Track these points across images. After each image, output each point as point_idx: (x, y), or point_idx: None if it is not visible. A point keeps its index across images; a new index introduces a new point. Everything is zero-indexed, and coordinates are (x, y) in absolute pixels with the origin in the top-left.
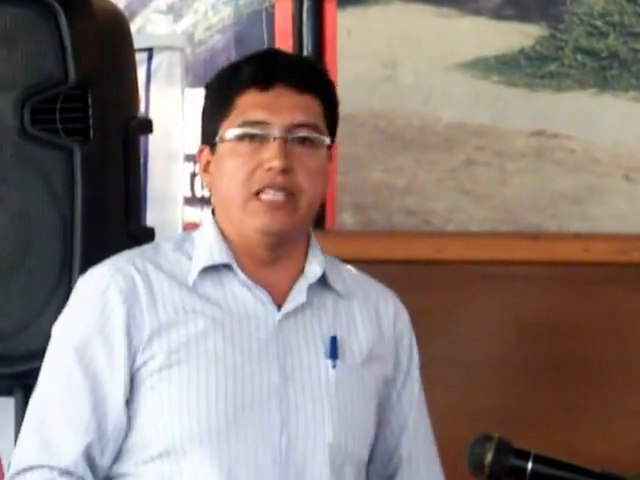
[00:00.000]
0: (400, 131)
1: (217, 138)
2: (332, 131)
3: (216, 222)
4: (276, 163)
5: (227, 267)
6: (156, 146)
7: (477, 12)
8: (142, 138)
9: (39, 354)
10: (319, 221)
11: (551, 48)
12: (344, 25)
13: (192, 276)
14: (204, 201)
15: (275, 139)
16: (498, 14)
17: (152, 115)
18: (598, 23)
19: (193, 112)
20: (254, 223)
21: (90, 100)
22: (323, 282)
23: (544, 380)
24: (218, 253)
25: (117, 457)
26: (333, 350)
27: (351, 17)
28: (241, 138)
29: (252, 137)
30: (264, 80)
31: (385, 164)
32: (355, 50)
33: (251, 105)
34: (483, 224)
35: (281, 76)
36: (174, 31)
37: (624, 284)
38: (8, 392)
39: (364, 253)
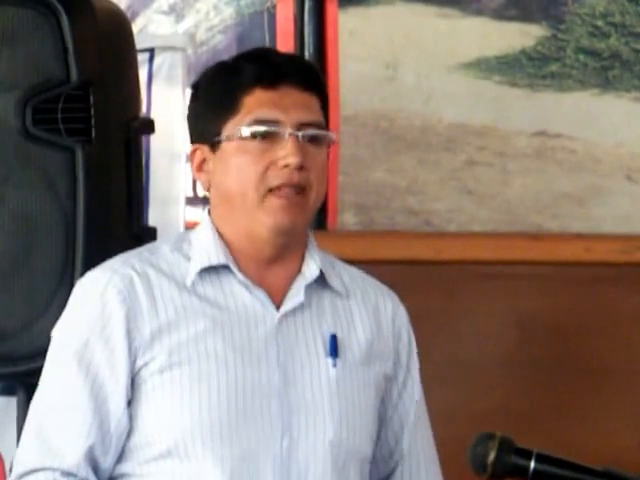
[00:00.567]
0: (402, 131)
1: (222, 137)
2: (327, 127)
3: (213, 222)
4: (293, 160)
5: (225, 268)
6: (158, 146)
7: (479, 12)
8: (144, 138)
9: (41, 353)
10: (321, 221)
11: (553, 48)
12: (346, 26)
13: (190, 277)
14: (206, 201)
15: (289, 136)
16: (500, 14)
17: (154, 115)
18: (600, 23)
19: None
20: (269, 220)
21: (92, 100)
22: (321, 281)
23: (546, 380)
24: (215, 254)
25: (120, 457)
26: (333, 349)
27: (353, 18)
28: (254, 136)
29: (264, 135)
30: (270, 79)
31: (387, 164)
32: (357, 51)
33: (260, 104)
34: (485, 224)
35: (286, 75)
36: (176, 31)
37: (625, 284)
38: (10, 392)
39: (366, 253)
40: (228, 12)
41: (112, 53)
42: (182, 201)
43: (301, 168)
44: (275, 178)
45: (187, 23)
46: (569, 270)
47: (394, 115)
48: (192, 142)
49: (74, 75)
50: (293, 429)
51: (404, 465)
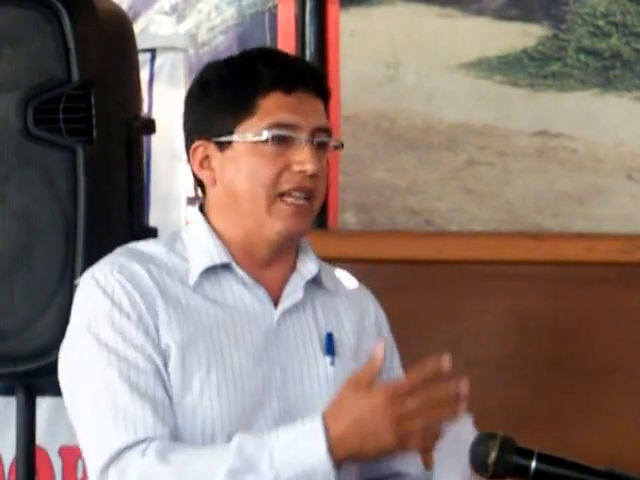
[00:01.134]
0: (403, 131)
1: (235, 137)
2: None
3: (209, 220)
4: (310, 167)
5: (224, 267)
6: (159, 146)
7: (480, 12)
8: (145, 138)
9: (41, 353)
10: (321, 221)
11: (554, 48)
12: (347, 26)
13: (193, 277)
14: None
15: (306, 142)
16: (501, 14)
17: (155, 115)
18: (601, 23)
19: None
20: (277, 226)
21: (93, 100)
22: (314, 280)
23: (547, 379)
24: (217, 253)
25: None
26: (330, 347)
27: (354, 18)
28: (272, 140)
29: (281, 139)
30: (288, 83)
31: (388, 164)
32: (358, 51)
33: (278, 107)
34: (486, 224)
35: (302, 80)
36: (177, 32)
37: (627, 283)
38: (9, 392)
39: (366, 253)
40: (229, 12)
41: (114, 53)
42: (183, 201)
43: (315, 175)
44: (288, 182)
45: (188, 23)
46: (570, 270)
47: (395, 115)
48: (193, 138)
49: (75, 75)
50: None
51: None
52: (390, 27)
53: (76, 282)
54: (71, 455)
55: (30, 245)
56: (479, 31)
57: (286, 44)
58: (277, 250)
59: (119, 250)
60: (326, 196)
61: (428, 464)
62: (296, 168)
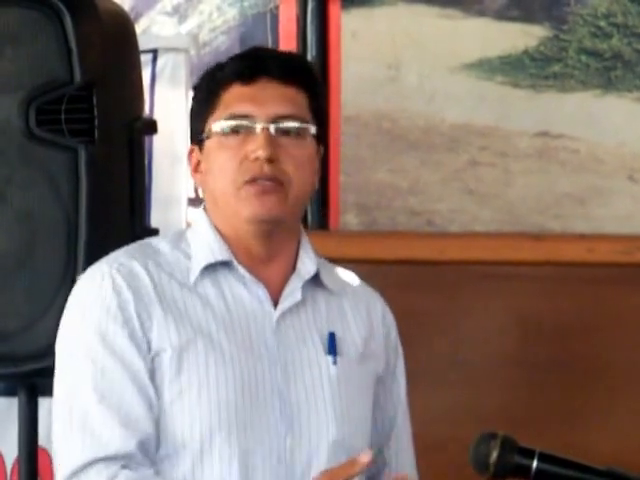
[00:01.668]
0: (404, 132)
1: (204, 134)
2: (320, 124)
3: (210, 220)
4: (261, 153)
5: (224, 265)
6: (160, 147)
7: (481, 13)
8: (146, 139)
9: (43, 354)
10: (323, 221)
11: (555, 49)
12: (348, 26)
13: (194, 275)
14: None
15: (261, 130)
16: (502, 15)
17: (157, 116)
18: (602, 24)
19: None
20: (246, 210)
21: (95, 101)
22: (315, 280)
23: (548, 380)
24: (218, 250)
25: None
26: (332, 347)
27: (355, 18)
28: (228, 132)
29: (238, 130)
30: (248, 73)
31: (389, 165)
32: (359, 51)
33: (236, 98)
34: (487, 225)
35: (265, 69)
36: (179, 32)
37: (628, 284)
38: (11, 392)
39: (367, 253)
40: (231, 13)
41: (115, 54)
42: (184, 202)
43: (271, 161)
44: (247, 171)
45: (190, 24)
46: (571, 270)
47: (396, 115)
48: (190, 143)
49: (77, 76)
50: (295, 427)
51: (391, 468)
52: (391, 28)
53: (78, 277)
54: None
55: (32, 245)
56: (480, 32)
57: (287, 45)
58: (264, 241)
59: (130, 246)
60: (327, 197)
61: None
62: (251, 156)
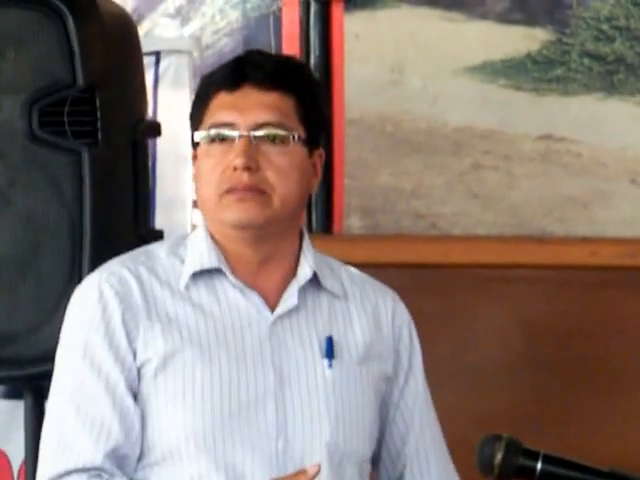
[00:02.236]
0: (407, 135)
1: (195, 142)
2: (314, 128)
3: (206, 225)
4: (238, 161)
5: (219, 271)
6: (164, 149)
7: (484, 16)
8: (150, 141)
9: (49, 357)
10: (326, 225)
11: (558, 52)
12: (351, 29)
13: (183, 280)
14: None
15: (240, 138)
16: (505, 18)
17: (160, 118)
18: (605, 27)
19: None
20: (228, 217)
21: (98, 103)
22: (318, 283)
23: (551, 383)
24: (208, 257)
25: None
26: (329, 350)
27: (358, 21)
28: (212, 140)
29: (222, 139)
30: (232, 81)
31: (392, 168)
32: (362, 54)
33: (219, 107)
34: (490, 228)
35: (248, 76)
36: (182, 35)
37: (631, 288)
38: (17, 395)
39: (371, 257)
40: (234, 15)
41: (118, 56)
42: (189, 204)
43: (249, 169)
44: (227, 180)
45: (193, 26)
46: (574, 274)
47: (399, 118)
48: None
49: (80, 78)
50: (288, 430)
51: (413, 467)
52: (394, 30)
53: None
54: None
55: (36, 248)
56: (483, 35)
57: (290, 47)
58: (252, 247)
59: (128, 253)
60: (331, 200)
61: None
62: (231, 165)
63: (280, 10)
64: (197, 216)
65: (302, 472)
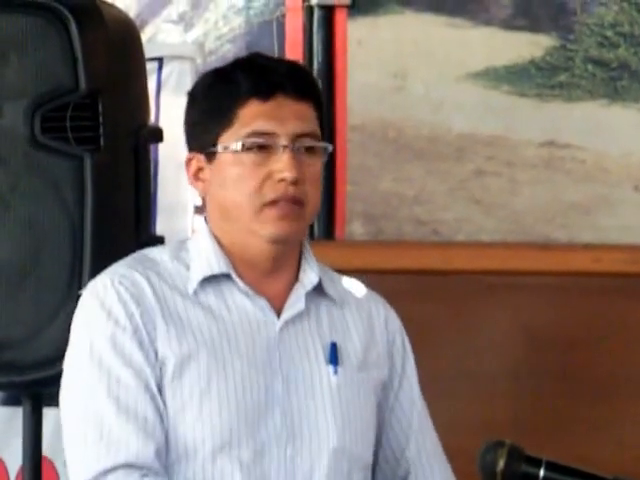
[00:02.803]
0: (410, 141)
1: (218, 148)
2: (324, 135)
3: (211, 230)
4: (288, 175)
5: (226, 276)
6: (166, 155)
7: (488, 22)
8: (152, 147)
9: (48, 363)
10: (329, 231)
11: (561, 58)
12: (354, 35)
13: (192, 286)
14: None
15: (285, 149)
16: (509, 24)
17: (162, 124)
18: (608, 34)
19: None
20: (265, 232)
21: (100, 108)
22: (318, 290)
23: (554, 390)
24: (216, 263)
25: None
26: (334, 356)
27: (361, 27)
28: (248, 148)
29: (260, 148)
30: (265, 90)
31: (395, 174)
32: (365, 60)
33: (255, 116)
34: (493, 234)
35: (281, 85)
36: (185, 41)
37: (634, 294)
38: (15, 402)
39: (374, 263)
40: (237, 21)
41: (121, 62)
42: (190, 210)
43: (297, 182)
44: (271, 192)
45: (196, 32)
46: (577, 280)
47: (402, 124)
48: (189, 149)
49: (83, 83)
50: (296, 437)
51: (417, 471)
52: (398, 36)
53: (80, 292)
54: None
55: (37, 253)
56: (487, 41)
57: (294, 53)
58: (274, 259)
59: (129, 257)
60: (333, 206)
61: None
62: (276, 176)
63: (283, 16)
64: (198, 222)
65: None
